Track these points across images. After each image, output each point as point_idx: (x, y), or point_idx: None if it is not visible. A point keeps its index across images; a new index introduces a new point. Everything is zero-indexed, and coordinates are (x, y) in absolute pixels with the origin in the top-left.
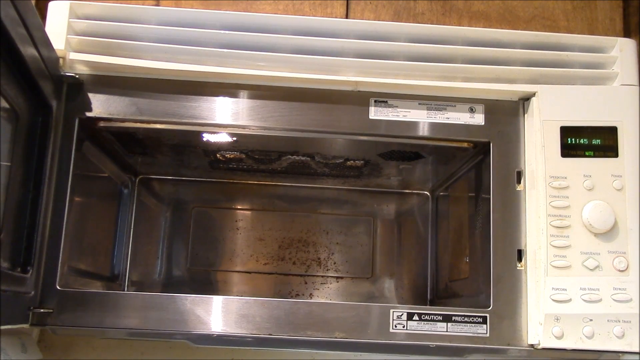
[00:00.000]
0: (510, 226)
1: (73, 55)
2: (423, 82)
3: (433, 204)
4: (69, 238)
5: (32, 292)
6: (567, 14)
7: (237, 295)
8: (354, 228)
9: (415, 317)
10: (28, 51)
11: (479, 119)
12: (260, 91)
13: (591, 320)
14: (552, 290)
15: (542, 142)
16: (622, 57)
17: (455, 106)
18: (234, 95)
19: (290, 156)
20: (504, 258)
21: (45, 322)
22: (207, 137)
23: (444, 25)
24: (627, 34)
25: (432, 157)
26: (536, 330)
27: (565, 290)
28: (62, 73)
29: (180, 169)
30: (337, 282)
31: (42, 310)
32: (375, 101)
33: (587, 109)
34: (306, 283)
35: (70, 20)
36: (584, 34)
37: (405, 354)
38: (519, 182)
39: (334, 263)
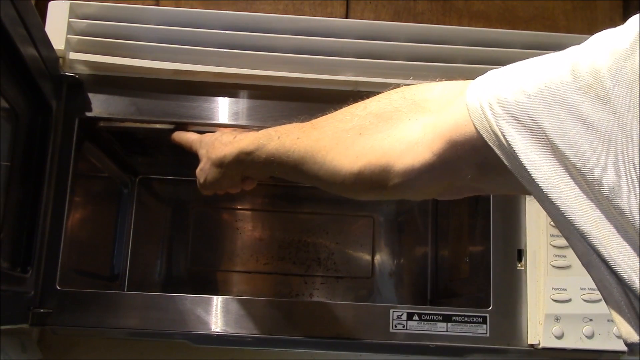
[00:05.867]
0: (510, 226)
1: (73, 55)
2: (423, 82)
3: (433, 204)
4: (69, 238)
5: (32, 292)
6: (567, 14)
7: (237, 295)
8: (354, 228)
9: (415, 317)
10: (28, 51)
11: None
12: (260, 91)
13: (591, 320)
14: (552, 290)
15: None
16: None
17: None
18: (234, 95)
19: None
20: (504, 258)
21: (45, 322)
22: None
23: (444, 25)
24: None
25: None
26: (536, 330)
27: (565, 290)
28: (62, 73)
29: (180, 169)
30: (337, 282)
31: (42, 310)
32: None
33: None
34: (306, 283)
35: (70, 20)
36: (584, 34)
37: (405, 354)
38: None
39: (334, 263)
